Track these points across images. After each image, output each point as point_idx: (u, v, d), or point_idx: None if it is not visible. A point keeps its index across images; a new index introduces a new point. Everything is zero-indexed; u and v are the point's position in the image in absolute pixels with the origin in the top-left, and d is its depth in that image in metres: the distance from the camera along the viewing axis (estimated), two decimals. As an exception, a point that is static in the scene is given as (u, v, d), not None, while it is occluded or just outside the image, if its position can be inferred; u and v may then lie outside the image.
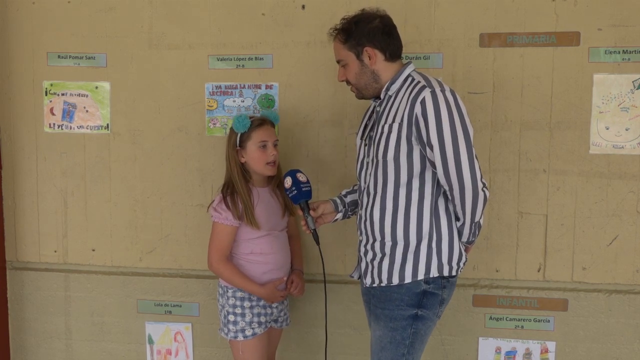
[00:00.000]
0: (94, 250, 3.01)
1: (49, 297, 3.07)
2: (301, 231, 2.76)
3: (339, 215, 2.39)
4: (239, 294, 2.48)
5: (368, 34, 2.11)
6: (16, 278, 3.09)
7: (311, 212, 2.28)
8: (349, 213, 2.43)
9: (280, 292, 2.50)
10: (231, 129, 2.47)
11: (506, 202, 2.68)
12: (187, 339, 2.99)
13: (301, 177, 2.30)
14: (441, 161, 1.97)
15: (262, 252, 2.48)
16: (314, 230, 2.28)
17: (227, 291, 2.50)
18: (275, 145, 2.48)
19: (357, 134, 2.37)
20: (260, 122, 2.47)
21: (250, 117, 2.47)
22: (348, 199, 2.41)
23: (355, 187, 2.42)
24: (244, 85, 2.81)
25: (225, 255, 2.46)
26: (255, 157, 2.44)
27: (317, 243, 2.31)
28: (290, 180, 2.29)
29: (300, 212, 2.29)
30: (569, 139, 2.62)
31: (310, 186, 2.31)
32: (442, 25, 2.65)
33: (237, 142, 2.44)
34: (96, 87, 2.92)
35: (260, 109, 2.79)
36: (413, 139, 2.03)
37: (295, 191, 2.27)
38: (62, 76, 2.94)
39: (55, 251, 3.04)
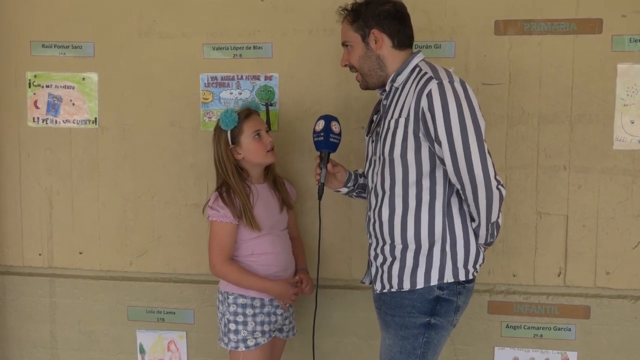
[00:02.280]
0: (81, 253, 3.03)
1: (33, 304, 3.09)
2: (303, 233, 2.78)
3: (344, 190, 2.44)
4: (240, 301, 2.50)
5: (377, 16, 2.14)
6: (-2, 283, 3.11)
7: (329, 165, 2.30)
8: (354, 194, 2.47)
9: (293, 289, 2.53)
10: (217, 128, 2.50)
11: (523, 201, 2.69)
12: (181, 348, 3.00)
13: (334, 127, 2.32)
14: (450, 158, 1.98)
15: (263, 253, 2.50)
16: (323, 183, 2.31)
17: (228, 297, 2.51)
18: (267, 132, 2.52)
19: (364, 128, 2.39)
20: (247, 113, 2.51)
21: (235, 111, 2.51)
22: (361, 180, 2.45)
23: None
24: (242, 76, 2.82)
25: (229, 256, 2.48)
26: (253, 149, 2.47)
27: (319, 198, 2.32)
28: (322, 125, 2.31)
29: (317, 160, 2.32)
30: (591, 133, 2.63)
31: (339, 139, 2.33)
32: (454, 11, 2.66)
33: (229, 140, 2.47)
34: (83, 79, 2.94)
35: (259, 101, 2.80)
36: (421, 135, 2.04)
37: (322, 137, 2.29)
38: (46, 67, 2.95)
39: (39, 254, 3.05)
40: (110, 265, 3.01)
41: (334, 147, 2.32)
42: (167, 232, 2.95)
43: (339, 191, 2.46)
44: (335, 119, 2.35)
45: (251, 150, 2.48)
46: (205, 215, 2.52)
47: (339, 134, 2.33)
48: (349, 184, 2.43)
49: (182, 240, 2.95)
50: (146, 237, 2.97)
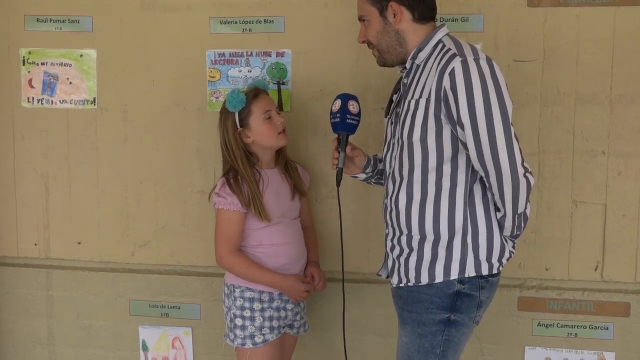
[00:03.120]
0: (79, 243, 3.08)
1: (28, 297, 3.15)
2: (318, 223, 2.81)
3: (362, 177, 2.47)
4: (247, 294, 2.54)
5: None
6: (-9, 275, 3.18)
7: (347, 148, 2.33)
8: (372, 180, 2.50)
9: (304, 286, 2.57)
10: (223, 110, 2.54)
11: (558, 189, 2.70)
12: (186, 345, 3.05)
13: (352, 107, 2.34)
14: (474, 143, 1.99)
15: (273, 244, 2.54)
16: (341, 169, 2.34)
17: (234, 291, 2.56)
18: (278, 112, 2.55)
19: (384, 109, 2.40)
20: (256, 92, 2.54)
21: (242, 91, 2.54)
22: (380, 166, 2.48)
23: None
24: (251, 53, 2.85)
25: (236, 247, 2.52)
26: (264, 131, 2.51)
27: (338, 184, 2.35)
28: (339, 105, 2.33)
29: (334, 143, 2.34)
30: (632, 115, 2.62)
31: (358, 120, 2.35)
32: (484, -19, 2.66)
33: (237, 123, 2.50)
34: (81, 55, 2.98)
35: (270, 80, 2.83)
36: (442, 117, 2.05)
37: (339, 119, 2.32)
38: (41, 43, 2.99)
39: (35, 244, 3.11)
40: (110, 256, 3.06)
41: (352, 128, 2.34)
42: (172, 220, 3.00)
43: (356, 177, 2.49)
44: (354, 98, 2.37)
45: (261, 133, 2.51)
46: (211, 203, 2.56)
47: (358, 115, 2.35)
48: (367, 170, 2.46)
49: (188, 229, 2.99)
50: (149, 226, 3.02)
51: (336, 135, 2.35)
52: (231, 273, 2.56)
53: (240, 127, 2.51)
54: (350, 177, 2.52)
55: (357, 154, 2.41)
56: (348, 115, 2.32)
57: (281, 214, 2.56)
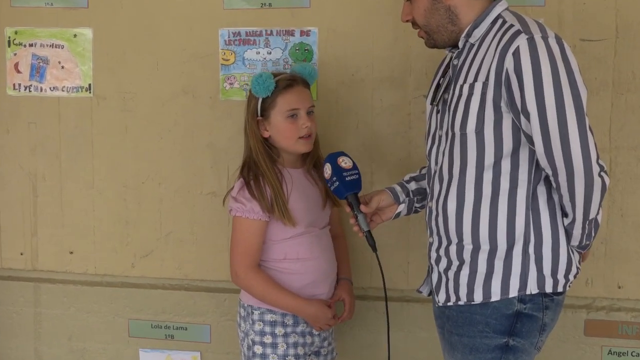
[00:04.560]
0: (72, 252, 3.08)
1: (13, 314, 3.16)
2: (349, 231, 2.77)
3: (402, 208, 2.42)
4: (268, 317, 2.51)
5: None
6: (-29, 289, 3.19)
7: (362, 207, 2.31)
8: (416, 205, 2.46)
9: (331, 312, 2.54)
10: (250, 91, 2.51)
11: (633, 192, 2.67)
12: (194, 372, 3.04)
13: (344, 163, 2.33)
14: (541, 135, 1.95)
15: (299, 258, 2.52)
16: (368, 231, 2.32)
17: (252, 313, 2.53)
18: (309, 113, 2.51)
19: (426, 97, 2.36)
20: (289, 83, 2.50)
21: (276, 75, 2.50)
22: (413, 186, 2.44)
23: (424, 171, 2.43)
24: (272, 32, 2.84)
25: (256, 262, 2.50)
26: (283, 131, 2.47)
27: (374, 249, 2.34)
28: (330, 169, 2.33)
29: (348, 209, 2.33)
30: None
31: (358, 173, 2.34)
32: (545, -53, 2.63)
33: (257, 111, 2.47)
34: (74, 36, 2.98)
35: (293, 63, 2.80)
36: (503, 104, 2.02)
37: (337, 182, 2.31)
38: (30, 21, 3.00)
39: (21, 254, 3.12)
40: (107, 268, 3.07)
41: (356, 184, 2.33)
42: (178, 227, 2.99)
43: (398, 215, 2.44)
44: (342, 154, 2.37)
45: (280, 131, 2.48)
46: (227, 208, 2.54)
47: (354, 167, 2.34)
48: (401, 199, 2.42)
49: (197, 238, 2.98)
50: (151, 234, 3.01)
51: (345, 201, 2.33)
52: (248, 293, 2.53)
53: (261, 116, 2.48)
54: (393, 220, 2.46)
55: (377, 200, 2.37)
56: (344, 174, 2.31)
57: (309, 221, 2.54)
